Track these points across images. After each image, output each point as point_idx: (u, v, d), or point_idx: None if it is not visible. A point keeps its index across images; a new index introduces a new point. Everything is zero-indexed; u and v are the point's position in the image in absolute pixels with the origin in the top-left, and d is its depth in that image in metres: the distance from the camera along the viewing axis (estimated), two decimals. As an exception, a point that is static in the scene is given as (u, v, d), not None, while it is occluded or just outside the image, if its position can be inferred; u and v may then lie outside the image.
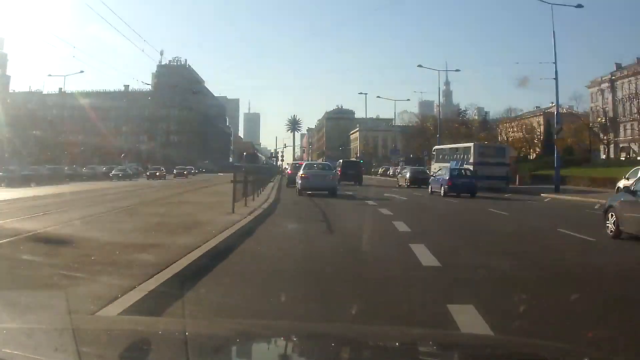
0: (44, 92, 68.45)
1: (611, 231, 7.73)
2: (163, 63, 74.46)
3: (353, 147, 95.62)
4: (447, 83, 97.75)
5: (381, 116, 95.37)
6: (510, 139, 53.29)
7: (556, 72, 23.18)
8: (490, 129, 57.15)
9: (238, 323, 2.27)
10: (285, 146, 76.95)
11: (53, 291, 3.53)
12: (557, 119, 24.81)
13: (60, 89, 55.93)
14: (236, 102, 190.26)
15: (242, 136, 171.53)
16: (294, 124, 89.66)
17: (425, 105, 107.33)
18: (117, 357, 1.34)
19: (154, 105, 78.91)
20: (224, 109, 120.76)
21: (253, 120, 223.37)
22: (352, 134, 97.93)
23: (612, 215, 7.76)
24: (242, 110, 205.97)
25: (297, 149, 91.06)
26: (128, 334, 1.60)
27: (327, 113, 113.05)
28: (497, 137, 53.81)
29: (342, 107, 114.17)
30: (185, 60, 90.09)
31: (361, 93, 57.66)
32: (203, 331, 1.69)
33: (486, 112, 60.37)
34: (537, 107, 59.46)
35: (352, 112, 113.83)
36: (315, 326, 2.32)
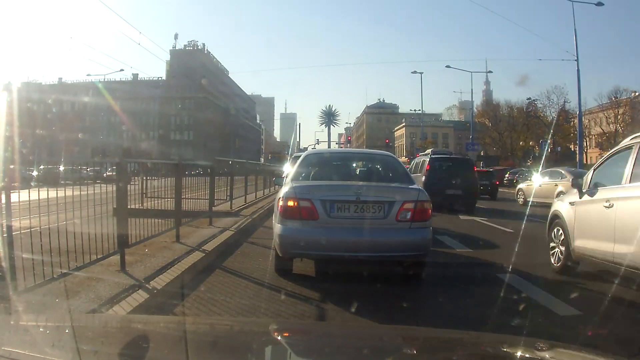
0: (42, 83, 65.69)
1: None
2: (177, 48, 70.50)
3: (399, 144, 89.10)
4: (487, 82, 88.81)
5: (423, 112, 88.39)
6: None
7: (578, 70, 24.88)
8: (569, 120, 48.13)
9: (237, 321, 2.70)
10: (318, 142, 64.75)
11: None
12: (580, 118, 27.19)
13: (61, 79, 52.06)
14: (271, 100, 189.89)
15: (277, 137, 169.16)
16: (329, 116, 78.03)
17: (464, 105, 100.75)
18: (116, 355, 1.44)
19: (165, 96, 73.56)
20: (252, 103, 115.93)
21: (290, 121, 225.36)
22: (397, 129, 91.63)
23: None
24: (279, 110, 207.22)
25: (335, 146, 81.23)
26: (128, 332, 1.75)
27: (367, 107, 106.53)
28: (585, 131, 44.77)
29: (383, 100, 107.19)
30: (203, 44, 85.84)
31: (415, 72, 45.29)
32: (202, 329, 1.88)
33: (565, 101, 49.98)
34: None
35: (395, 106, 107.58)
36: (315, 325, 2.57)
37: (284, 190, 5.05)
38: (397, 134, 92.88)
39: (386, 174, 6.04)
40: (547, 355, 1.63)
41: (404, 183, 5.46)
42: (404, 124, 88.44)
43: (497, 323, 3.61)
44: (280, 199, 4.92)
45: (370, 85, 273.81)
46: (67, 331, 1.61)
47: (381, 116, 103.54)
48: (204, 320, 2.95)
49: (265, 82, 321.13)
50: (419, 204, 4.83)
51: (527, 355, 1.64)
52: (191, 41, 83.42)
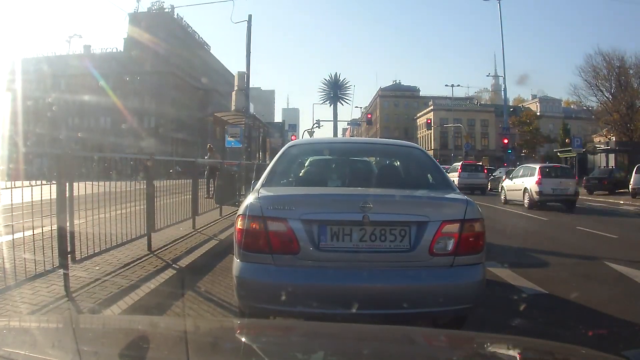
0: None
1: None
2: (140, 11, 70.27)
3: (422, 134, 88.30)
4: (495, 77, 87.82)
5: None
6: None
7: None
8: None
9: (237, 321, 3.18)
10: (317, 125, 51.34)
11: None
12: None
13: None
14: (271, 93, 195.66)
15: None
16: (335, 88, 63.04)
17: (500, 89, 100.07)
18: (117, 355, 1.65)
19: (122, 71, 72.77)
20: (241, 85, 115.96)
21: (292, 116, 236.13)
22: (421, 115, 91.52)
23: None
24: (281, 105, 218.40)
25: (341, 131, 75.25)
26: (128, 332, 2.06)
27: (381, 90, 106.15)
28: None
29: (400, 82, 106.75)
30: (172, 6, 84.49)
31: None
32: (202, 329, 2.22)
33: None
34: None
35: (416, 88, 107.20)
36: (315, 326, 2.68)
37: (246, 202, 3.94)
38: (420, 121, 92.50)
39: (412, 175, 5.03)
40: (547, 355, 1.94)
41: (440, 190, 4.44)
42: (431, 107, 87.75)
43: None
44: (239, 218, 3.84)
45: (383, 67, 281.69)
46: (67, 331, 1.97)
47: (398, 100, 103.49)
48: (204, 320, 3.51)
49: (265, 70, 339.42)
50: (468, 224, 3.76)
51: (527, 355, 1.95)
52: (156, 2, 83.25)
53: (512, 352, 1.97)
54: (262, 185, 4.28)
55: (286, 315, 3.89)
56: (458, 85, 69.60)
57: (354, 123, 64.51)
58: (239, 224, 3.80)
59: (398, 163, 5.43)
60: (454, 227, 3.71)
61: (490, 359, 1.93)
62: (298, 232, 3.66)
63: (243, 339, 2.08)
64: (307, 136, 43.53)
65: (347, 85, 63.98)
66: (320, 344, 2.06)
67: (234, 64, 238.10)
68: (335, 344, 2.06)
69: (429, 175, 4.76)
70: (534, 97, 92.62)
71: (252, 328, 2.38)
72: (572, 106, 73.77)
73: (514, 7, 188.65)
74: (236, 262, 3.83)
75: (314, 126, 50.45)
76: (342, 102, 63.55)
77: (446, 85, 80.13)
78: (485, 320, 4.41)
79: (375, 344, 2.03)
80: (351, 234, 3.69)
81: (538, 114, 75.23)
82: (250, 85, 26.15)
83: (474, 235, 3.77)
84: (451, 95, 78.75)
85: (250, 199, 3.93)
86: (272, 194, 4.06)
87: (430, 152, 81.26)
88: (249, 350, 1.93)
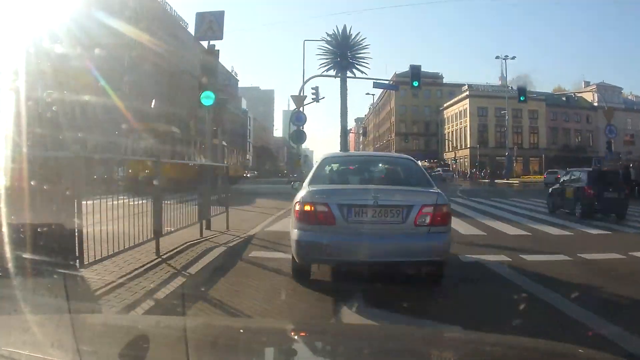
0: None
1: None
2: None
3: (452, 129, 78.64)
4: (502, 78, 73.83)
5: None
6: None
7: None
8: None
9: (237, 321, 3.64)
10: (316, 97, 34.65)
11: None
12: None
13: None
14: (270, 93, 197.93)
15: (280, 133, 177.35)
16: (343, 48, 44.60)
17: (521, 80, 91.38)
18: (116, 355, 1.78)
19: (123, 72, 69.87)
20: (233, 82, 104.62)
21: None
22: (449, 106, 79.85)
23: None
24: (281, 107, 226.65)
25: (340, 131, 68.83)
26: (128, 332, 2.21)
27: (395, 76, 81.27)
28: None
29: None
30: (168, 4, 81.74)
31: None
32: (202, 329, 2.38)
33: None
34: None
35: (438, 75, 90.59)
36: (316, 325, 3.29)
37: (301, 194, 6.44)
38: (448, 113, 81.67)
39: (406, 177, 7.57)
40: (547, 356, 2.06)
41: (423, 186, 6.86)
42: (466, 94, 76.12)
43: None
44: (297, 204, 6.29)
45: (393, 59, 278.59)
46: (67, 331, 2.04)
47: (418, 89, 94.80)
48: (204, 320, 3.77)
49: (265, 70, 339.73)
50: (438, 207, 6.18)
51: (527, 355, 2.06)
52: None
53: (512, 352, 2.09)
54: (309, 183, 6.79)
55: (327, 264, 6.62)
56: (514, 57, 58.76)
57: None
58: (297, 207, 6.23)
59: (397, 169, 7.96)
60: (429, 209, 6.11)
61: (490, 359, 2.05)
62: (334, 211, 6.06)
63: (243, 339, 2.22)
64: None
65: (361, 43, 44.80)
66: (321, 344, 2.24)
67: (234, 64, 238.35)
68: (335, 344, 2.23)
69: (417, 177, 7.26)
70: (586, 84, 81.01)
71: (252, 328, 2.55)
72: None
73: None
74: (294, 231, 6.25)
75: (313, 100, 35.27)
76: (356, 69, 44.83)
77: (497, 58, 59.47)
78: (486, 320, 4.93)
79: (375, 343, 2.17)
80: (367, 213, 6.10)
81: (595, 104, 68.92)
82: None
83: (442, 215, 6.18)
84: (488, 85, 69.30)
85: (302, 192, 6.42)
86: (316, 188, 6.54)
87: (465, 152, 73.30)
88: (249, 350, 2.05)
